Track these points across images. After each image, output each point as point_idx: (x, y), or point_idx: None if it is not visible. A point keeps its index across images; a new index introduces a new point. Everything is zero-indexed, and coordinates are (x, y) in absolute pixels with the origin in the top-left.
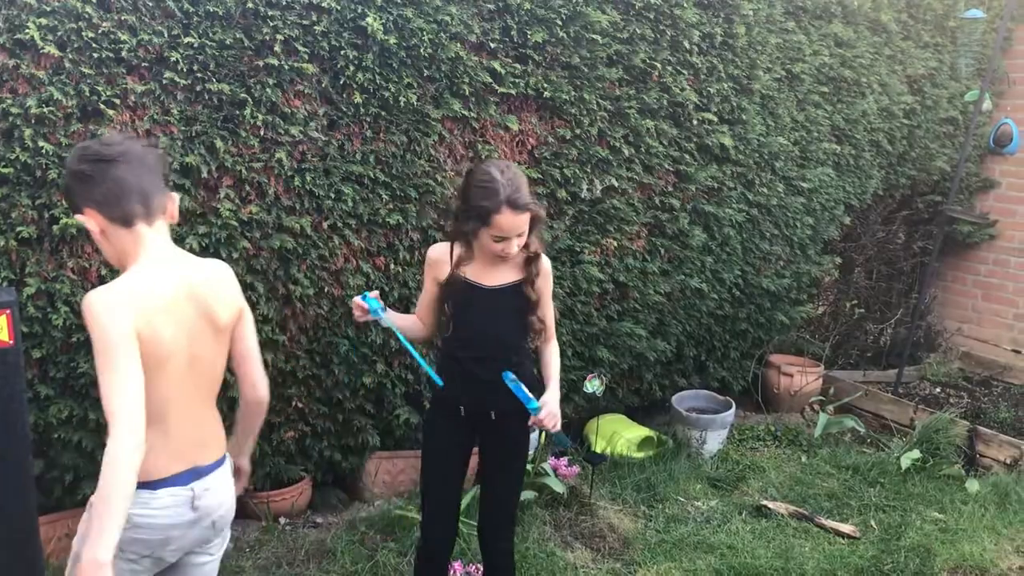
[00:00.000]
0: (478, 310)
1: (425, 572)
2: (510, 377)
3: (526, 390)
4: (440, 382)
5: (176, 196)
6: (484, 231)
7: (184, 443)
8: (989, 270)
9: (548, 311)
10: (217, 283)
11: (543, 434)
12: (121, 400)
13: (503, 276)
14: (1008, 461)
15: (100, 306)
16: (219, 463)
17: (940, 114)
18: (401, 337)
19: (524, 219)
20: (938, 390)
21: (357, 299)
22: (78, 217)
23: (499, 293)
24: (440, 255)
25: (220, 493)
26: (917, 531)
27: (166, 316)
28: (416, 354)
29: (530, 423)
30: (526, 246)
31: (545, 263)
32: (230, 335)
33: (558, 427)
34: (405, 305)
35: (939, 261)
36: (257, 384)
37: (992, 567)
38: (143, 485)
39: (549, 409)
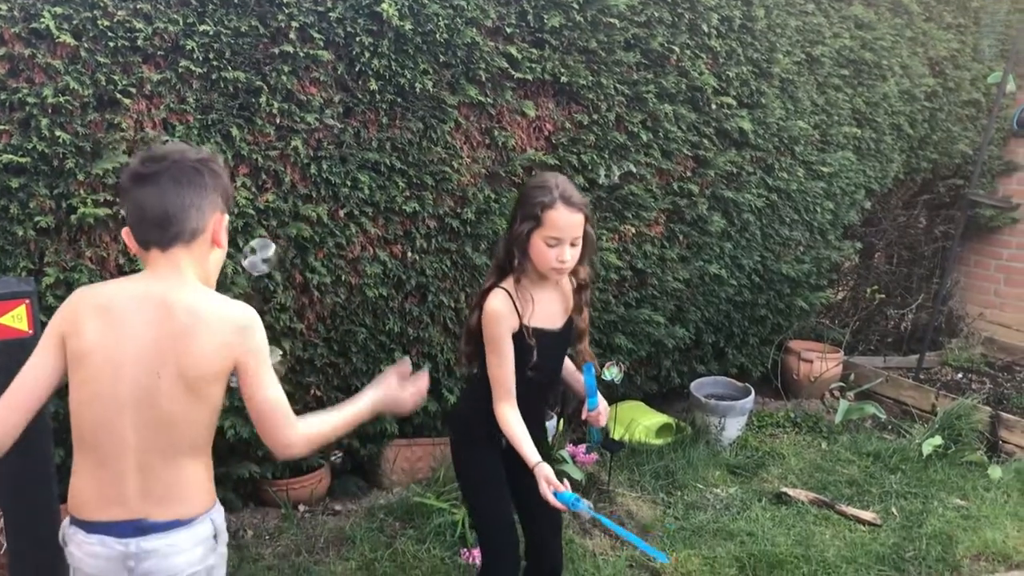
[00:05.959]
0: (548, 354)
1: None
2: (591, 371)
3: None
4: (666, 558)
5: (225, 219)
6: (537, 234)
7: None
8: (1012, 254)
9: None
10: (189, 336)
11: (560, 421)
12: None
13: (560, 315)
14: None
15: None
16: (177, 524)
17: (962, 96)
18: (608, 523)
19: (578, 220)
20: (960, 376)
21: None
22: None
23: (561, 334)
24: (507, 308)
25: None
26: (939, 518)
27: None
28: (635, 539)
29: (583, 416)
30: (576, 273)
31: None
32: (210, 390)
33: (602, 423)
34: (422, 293)
35: (961, 245)
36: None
37: (1015, 554)
38: (77, 523)
39: (605, 406)
